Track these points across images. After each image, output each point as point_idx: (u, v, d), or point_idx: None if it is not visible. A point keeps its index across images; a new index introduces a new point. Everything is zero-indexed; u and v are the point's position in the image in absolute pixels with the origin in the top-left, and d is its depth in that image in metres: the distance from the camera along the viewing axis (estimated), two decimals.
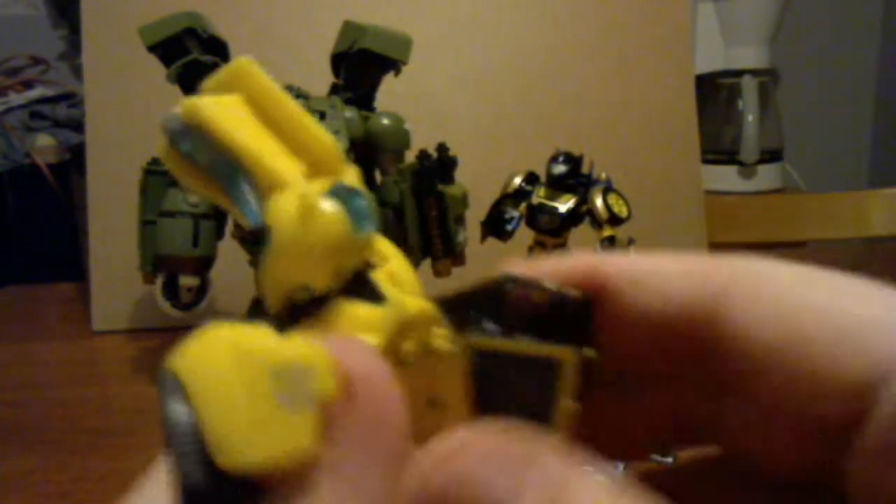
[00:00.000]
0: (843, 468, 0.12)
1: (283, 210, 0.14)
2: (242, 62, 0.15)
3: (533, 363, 0.14)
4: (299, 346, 0.12)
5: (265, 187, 0.14)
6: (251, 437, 0.11)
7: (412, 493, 0.12)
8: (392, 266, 0.16)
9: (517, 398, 0.13)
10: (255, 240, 0.52)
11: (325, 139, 0.15)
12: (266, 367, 0.12)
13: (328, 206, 0.14)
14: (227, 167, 0.15)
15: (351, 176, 0.15)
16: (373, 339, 0.13)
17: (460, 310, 0.15)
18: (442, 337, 0.14)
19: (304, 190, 0.14)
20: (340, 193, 0.14)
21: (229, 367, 0.12)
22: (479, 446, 0.12)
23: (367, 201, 0.14)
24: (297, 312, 0.14)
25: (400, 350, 0.14)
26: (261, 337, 0.12)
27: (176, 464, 0.12)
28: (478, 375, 0.14)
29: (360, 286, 0.14)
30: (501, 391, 0.13)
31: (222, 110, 0.15)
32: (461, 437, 0.13)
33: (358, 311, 0.14)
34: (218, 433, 0.11)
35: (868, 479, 0.12)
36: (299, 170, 0.15)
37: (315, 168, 0.15)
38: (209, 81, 0.15)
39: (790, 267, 0.14)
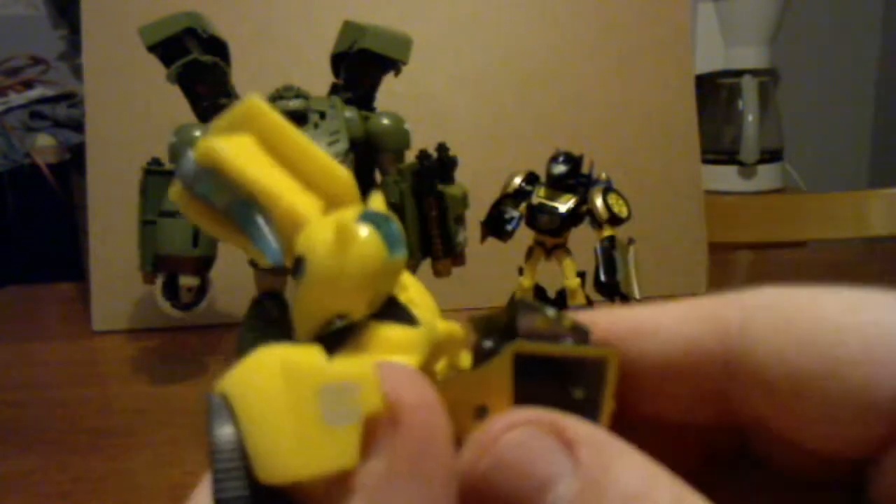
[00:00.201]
0: (870, 479, 0.12)
1: (318, 240, 0.14)
2: (252, 102, 0.15)
3: (579, 364, 0.14)
4: (347, 364, 0.12)
5: (285, 224, 0.15)
6: (295, 451, 0.12)
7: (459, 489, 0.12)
8: (410, 292, 0.16)
9: (563, 401, 0.13)
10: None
11: (340, 173, 0.16)
12: (313, 384, 0.12)
13: (365, 231, 0.14)
14: (243, 207, 0.15)
15: (377, 203, 0.16)
16: (410, 361, 0.13)
17: (488, 332, 0.15)
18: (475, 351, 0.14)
19: (339, 218, 0.14)
20: (373, 219, 0.14)
21: (277, 385, 0.12)
22: (517, 431, 0.12)
23: (398, 226, 0.15)
24: (330, 340, 0.14)
25: (430, 370, 0.14)
26: (309, 356, 0.13)
27: (217, 481, 0.12)
28: (523, 382, 0.14)
29: (392, 309, 0.14)
30: (547, 396, 0.13)
31: (236, 150, 0.15)
32: (500, 423, 0.13)
33: (392, 333, 0.14)
34: (261, 448, 0.12)
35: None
36: (317, 205, 0.15)
37: (331, 202, 0.15)
38: (219, 121, 0.15)
39: (802, 291, 0.14)
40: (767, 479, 0.15)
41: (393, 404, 0.12)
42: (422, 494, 0.12)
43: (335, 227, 0.14)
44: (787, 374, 0.13)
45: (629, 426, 0.14)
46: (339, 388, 0.12)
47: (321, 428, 0.12)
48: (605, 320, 0.15)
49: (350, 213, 0.15)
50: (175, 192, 0.16)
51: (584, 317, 0.15)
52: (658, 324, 0.14)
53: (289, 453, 0.12)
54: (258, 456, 0.12)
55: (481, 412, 0.14)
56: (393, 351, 0.14)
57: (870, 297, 0.13)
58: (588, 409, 0.13)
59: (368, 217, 0.14)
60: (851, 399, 0.12)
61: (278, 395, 0.12)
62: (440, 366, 0.14)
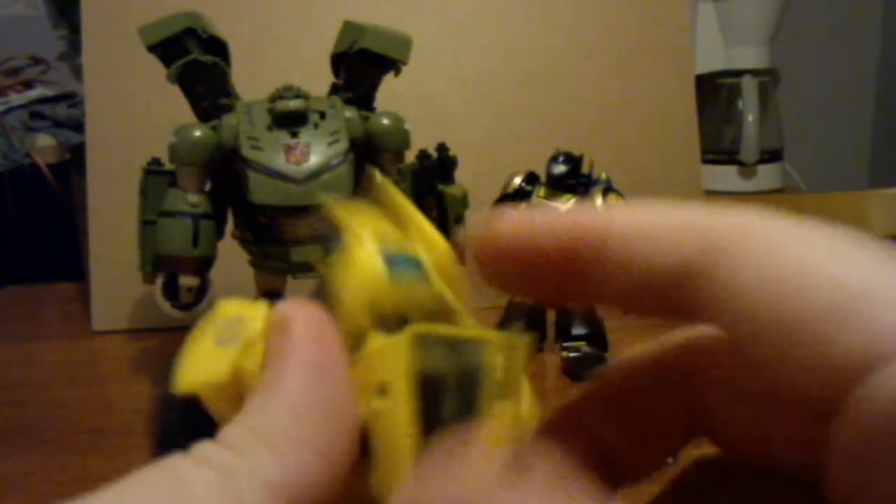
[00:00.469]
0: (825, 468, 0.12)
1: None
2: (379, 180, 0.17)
3: (466, 345, 0.14)
4: (242, 305, 0.16)
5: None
6: (191, 369, 0.15)
7: None
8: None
9: (451, 383, 0.14)
10: (256, 239, 0.52)
11: (440, 244, 0.17)
12: (216, 320, 0.16)
13: (366, 252, 0.16)
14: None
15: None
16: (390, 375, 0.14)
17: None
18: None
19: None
20: (393, 256, 0.16)
21: (206, 324, 0.16)
22: None
23: (417, 258, 0.16)
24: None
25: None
26: (231, 303, 0.16)
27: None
28: (420, 363, 0.14)
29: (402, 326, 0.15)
30: (448, 376, 0.14)
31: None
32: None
33: (375, 343, 0.15)
34: (176, 368, 0.15)
35: (846, 482, 0.11)
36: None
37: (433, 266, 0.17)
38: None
39: (795, 226, 0.13)
40: (747, 482, 0.15)
41: (284, 320, 0.14)
42: (310, 376, 0.14)
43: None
44: (750, 317, 0.12)
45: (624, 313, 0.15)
46: (230, 320, 0.15)
47: (212, 351, 0.15)
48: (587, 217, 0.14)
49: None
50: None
51: (568, 213, 0.15)
52: (614, 235, 0.14)
53: (186, 370, 0.15)
54: (175, 376, 0.15)
55: (382, 390, 0.14)
56: (376, 363, 0.15)
57: (856, 245, 0.12)
58: (471, 396, 0.14)
59: (390, 255, 0.16)
60: (809, 357, 0.11)
61: (203, 331, 0.16)
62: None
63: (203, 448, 0.14)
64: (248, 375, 0.15)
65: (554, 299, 0.15)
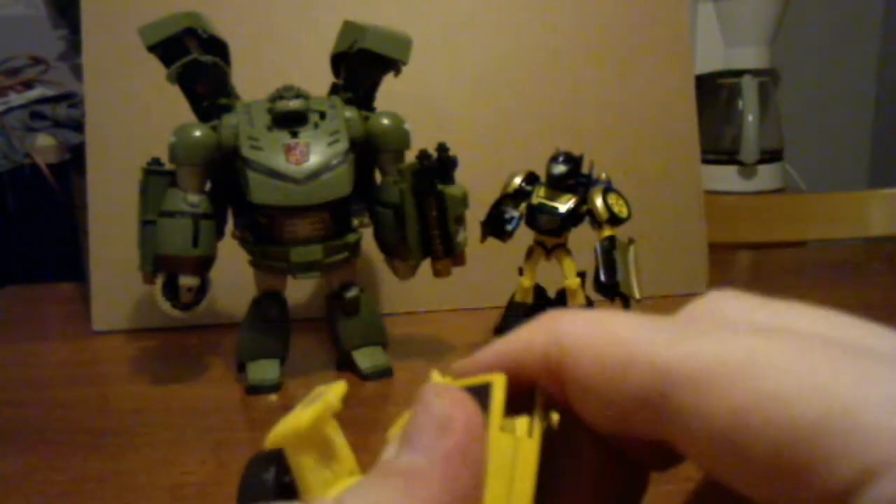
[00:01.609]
0: None
1: None
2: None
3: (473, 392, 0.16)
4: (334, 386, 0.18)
5: None
6: (279, 428, 0.17)
7: None
8: None
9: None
10: (256, 239, 0.52)
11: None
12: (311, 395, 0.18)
13: None
14: None
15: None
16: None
17: None
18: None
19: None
20: None
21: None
22: None
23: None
24: None
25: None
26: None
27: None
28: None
29: None
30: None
31: None
32: None
33: None
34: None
35: None
36: None
37: None
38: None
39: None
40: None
41: (446, 414, 0.15)
42: (448, 489, 0.14)
43: None
44: (716, 443, 0.12)
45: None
46: (319, 392, 0.18)
47: (299, 412, 0.17)
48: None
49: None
50: None
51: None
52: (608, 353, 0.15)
53: (277, 429, 0.17)
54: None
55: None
56: None
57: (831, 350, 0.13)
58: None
59: None
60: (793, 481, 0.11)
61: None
62: None
63: None
64: (327, 431, 0.17)
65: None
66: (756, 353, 0.12)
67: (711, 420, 0.12)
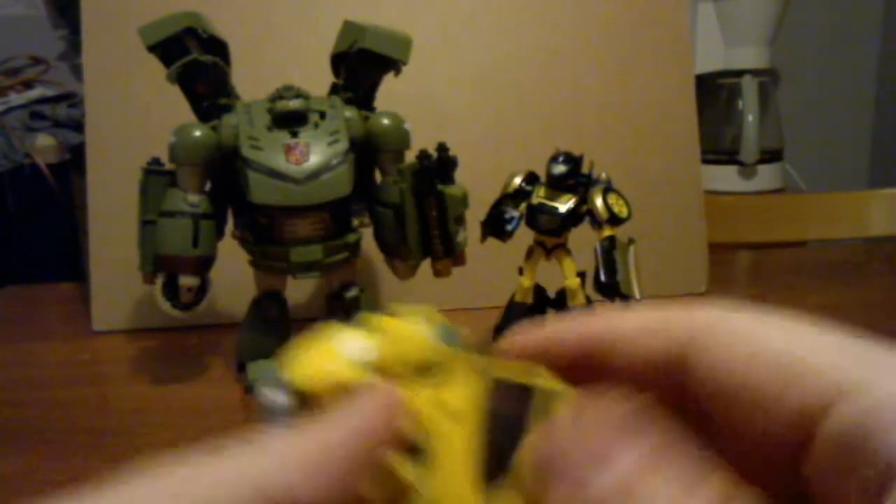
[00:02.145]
0: (803, 487, 0.15)
1: None
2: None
3: (515, 389, 0.18)
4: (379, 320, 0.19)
5: None
6: (309, 368, 0.18)
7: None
8: None
9: (507, 419, 0.17)
10: (256, 239, 0.52)
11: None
12: (344, 333, 0.19)
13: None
14: None
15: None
16: None
17: None
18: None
19: None
20: None
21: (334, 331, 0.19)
22: None
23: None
24: None
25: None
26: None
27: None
28: (488, 395, 0.18)
29: None
30: (501, 411, 0.17)
31: None
32: None
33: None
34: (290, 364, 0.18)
35: (820, 491, 0.15)
36: None
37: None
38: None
39: (748, 316, 0.17)
40: None
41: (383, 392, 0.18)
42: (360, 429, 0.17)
43: None
44: (722, 388, 0.16)
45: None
46: (357, 337, 0.19)
47: (339, 358, 0.18)
48: (573, 331, 0.19)
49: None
50: None
51: (545, 327, 0.19)
52: (617, 336, 0.18)
53: (306, 368, 0.18)
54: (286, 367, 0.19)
55: (454, 416, 0.18)
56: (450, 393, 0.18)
57: (802, 330, 0.16)
58: (517, 432, 0.17)
59: None
60: (768, 413, 0.15)
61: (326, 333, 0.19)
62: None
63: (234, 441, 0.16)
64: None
65: (578, 381, 0.18)
66: (756, 321, 0.17)
67: (720, 367, 0.16)
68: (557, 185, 0.52)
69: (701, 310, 0.17)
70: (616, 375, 0.18)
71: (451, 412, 0.17)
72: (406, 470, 0.17)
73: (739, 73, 1.39)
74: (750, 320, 0.17)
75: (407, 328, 0.19)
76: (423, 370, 0.19)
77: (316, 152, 0.49)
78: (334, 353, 0.18)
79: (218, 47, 0.52)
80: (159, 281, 0.50)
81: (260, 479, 0.15)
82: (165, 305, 0.50)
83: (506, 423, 0.17)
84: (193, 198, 0.50)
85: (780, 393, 0.15)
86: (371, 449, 0.17)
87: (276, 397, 0.18)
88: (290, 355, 0.18)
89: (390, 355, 0.18)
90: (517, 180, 0.54)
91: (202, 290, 0.51)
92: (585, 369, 0.18)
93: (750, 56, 1.39)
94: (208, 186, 0.51)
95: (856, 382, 0.14)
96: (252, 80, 0.55)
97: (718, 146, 1.40)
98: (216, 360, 0.58)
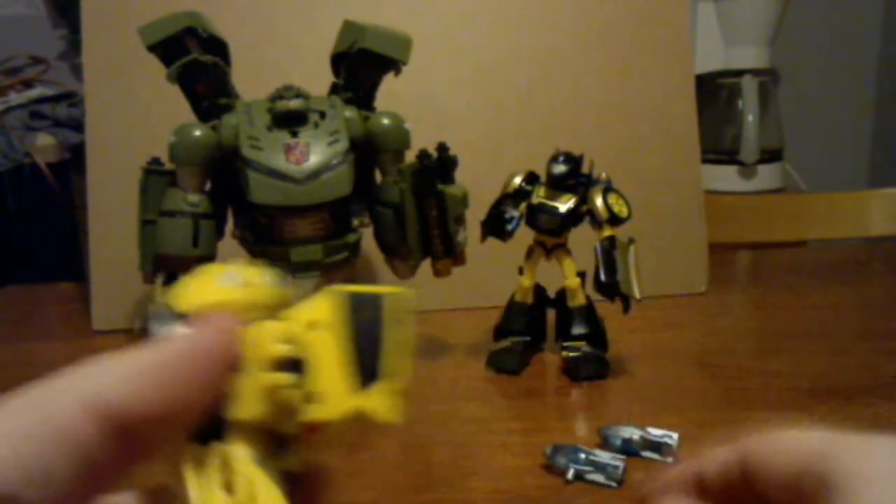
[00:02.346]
0: None
1: None
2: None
3: (372, 297, 0.20)
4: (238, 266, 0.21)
5: None
6: (192, 295, 0.20)
7: None
8: None
9: (365, 327, 0.20)
10: (256, 239, 0.52)
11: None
12: (214, 271, 0.21)
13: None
14: None
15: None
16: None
17: None
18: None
19: None
20: None
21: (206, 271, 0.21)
22: None
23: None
24: None
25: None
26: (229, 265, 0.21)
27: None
28: (344, 310, 0.20)
29: None
30: (358, 322, 0.20)
31: None
32: None
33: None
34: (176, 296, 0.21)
35: None
36: None
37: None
38: None
39: (791, 437, 0.20)
40: None
41: (206, 318, 0.20)
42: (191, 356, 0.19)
43: None
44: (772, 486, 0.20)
45: None
46: (229, 271, 0.21)
47: (215, 287, 0.21)
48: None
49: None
50: None
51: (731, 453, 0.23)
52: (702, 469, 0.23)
53: (190, 296, 0.21)
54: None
55: (313, 326, 0.20)
56: (308, 309, 0.21)
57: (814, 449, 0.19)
58: (375, 327, 0.20)
59: None
60: None
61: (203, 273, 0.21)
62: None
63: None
64: (238, 309, 0.20)
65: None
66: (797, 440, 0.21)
67: (769, 478, 0.21)
68: (557, 185, 0.52)
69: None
70: (754, 493, 0.22)
71: (315, 324, 0.20)
72: (285, 378, 0.19)
73: (739, 73, 1.39)
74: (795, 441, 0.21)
75: (258, 271, 0.21)
76: (279, 303, 0.21)
77: (316, 152, 0.49)
78: (211, 282, 0.20)
79: (218, 47, 0.52)
80: (159, 280, 0.50)
81: (91, 392, 0.17)
82: None
83: (367, 330, 0.20)
84: (193, 197, 0.50)
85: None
86: (208, 367, 0.19)
87: (167, 329, 0.20)
88: (175, 290, 0.20)
89: (254, 287, 0.21)
90: (517, 180, 0.54)
91: None
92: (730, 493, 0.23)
93: (750, 56, 1.39)
94: (208, 186, 0.51)
95: None
96: (252, 80, 0.55)
97: (718, 146, 1.40)
98: None
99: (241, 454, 0.19)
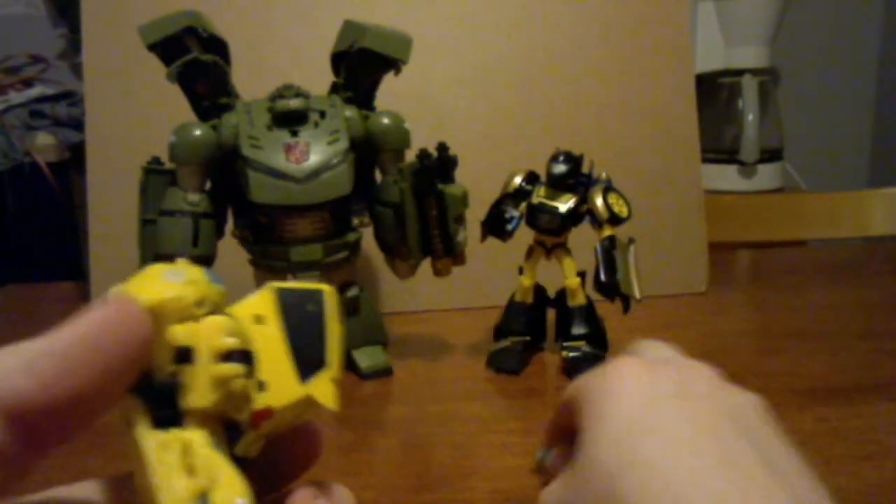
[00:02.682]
0: None
1: None
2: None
3: (310, 294, 0.22)
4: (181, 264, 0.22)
5: None
6: (142, 290, 0.20)
7: None
8: None
9: (304, 314, 0.22)
10: (256, 238, 0.52)
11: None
12: (161, 269, 0.21)
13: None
14: None
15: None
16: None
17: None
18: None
19: None
20: None
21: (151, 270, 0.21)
22: None
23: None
24: None
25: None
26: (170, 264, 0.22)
27: None
28: (283, 305, 0.22)
29: None
30: (298, 316, 0.22)
31: None
32: None
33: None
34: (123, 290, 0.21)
35: None
36: None
37: None
38: None
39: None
40: None
41: (111, 299, 0.20)
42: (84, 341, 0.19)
43: None
44: None
45: None
46: (174, 269, 0.21)
47: (163, 283, 0.21)
48: None
49: None
50: None
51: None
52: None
53: (139, 290, 0.20)
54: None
55: (258, 320, 0.22)
56: (250, 306, 0.22)
57: None
58: (319, 329, 0.22)
59: None
60: None
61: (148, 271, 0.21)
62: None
63: None
64: (182, 306, 0.20)
65: None
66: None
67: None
68: (557, 185, 0.52)
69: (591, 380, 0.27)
70: None
71: (260, 318, 0.22)
72: (235, 368, 0.20)
73: (739, 73, 1.39)
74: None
75: (199, 269, 0.22)
76: (222, 300, 0.22)
77: (316, 151, 0.49)
78: (158, 279, 0.21)
79: (218, 47, 0.52)
80: None
81: None
82: None
83: (311, 322, 0.22)
84: (193, 197, 0.50)
85: None
86: (113, 349, 0.18)
87: None
88: (124, 286, 0.21)
89: (197, 284, 0.21)
90: (517, 180, 0.54)
91: None
92: None
93: (750, 56, 1.39)
94: (208, 186, 0.51)
95: None
96: (252, 79, 0.55)
97: (718, 146, 1.40)
98: None
99: (199, 440, 0.20)
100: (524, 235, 0.54)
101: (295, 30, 0.69)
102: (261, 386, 0.21)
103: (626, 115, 0.73)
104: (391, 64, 0.53)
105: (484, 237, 0.54)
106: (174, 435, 0.20)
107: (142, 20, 0.51)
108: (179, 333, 0.20)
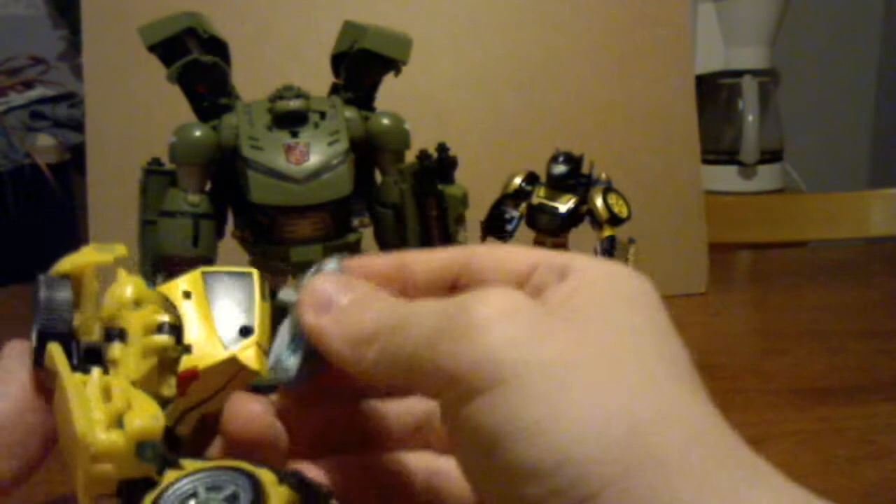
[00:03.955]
0: None
1: None
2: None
3: (240, 276, 0.25)
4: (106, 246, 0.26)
5: None
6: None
7: None
8: None
9: (235, 298, 0.25)
10: (256, 239, 0.52)
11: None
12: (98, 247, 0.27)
13: None
14: None
15: None
16: None
17: None
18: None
19: None
20: None
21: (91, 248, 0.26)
22: None
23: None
24: None
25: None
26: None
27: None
28: (214, 285, 0.25)
29: None
30: (228, 294, 0.25)
31: None
32: None
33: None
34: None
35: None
36: None
37: None
38: None
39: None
40: None
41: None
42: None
43: None
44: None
45: None
46: (105, 245, 0.27)
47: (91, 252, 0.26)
48: None
49: None
50: None
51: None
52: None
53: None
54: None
55: (187, 295, 0.25)
56: (180, 285, 0.26)
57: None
58: (247, 298, 0.25)
59: None
60: None
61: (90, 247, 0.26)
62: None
63: None
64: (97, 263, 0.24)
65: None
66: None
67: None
68: (557, 185, 0.52)
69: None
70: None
71: (189, 294, 0.24)
72: (166, 338, 0.22)
73: (739, 73, 1.39)
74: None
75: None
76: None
77: (316, 152, 0.49)
78: (89, 250, 0.24)
79: (218, 47, 0.52)
80: (159, 280, 0.50)
81: None
82: None
83: (242, 296, 0.24)
84: (193, 198, 0.50)
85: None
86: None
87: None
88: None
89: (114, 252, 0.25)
90: (517, 180, 0.54)
91: None
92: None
93: (750, 56, 1.40)
94: (208, 186, 0.51)
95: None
96: (252, 80, 0.55)
97: (718, 146, 1.40)
98: None
99: (118, 380, 0.21)
100: (524, 236, 0.54)
101: (295, 30, 0.69)
102: (186, 349, 0.23)
103: (626, 116, 0.73)
104: (391, 65, 0.53)
105: (484, 238, 0.54)
106: (96, 373, 0.22)
107: (142, 21, 0.51)
108: (113, 316, 0.23)
